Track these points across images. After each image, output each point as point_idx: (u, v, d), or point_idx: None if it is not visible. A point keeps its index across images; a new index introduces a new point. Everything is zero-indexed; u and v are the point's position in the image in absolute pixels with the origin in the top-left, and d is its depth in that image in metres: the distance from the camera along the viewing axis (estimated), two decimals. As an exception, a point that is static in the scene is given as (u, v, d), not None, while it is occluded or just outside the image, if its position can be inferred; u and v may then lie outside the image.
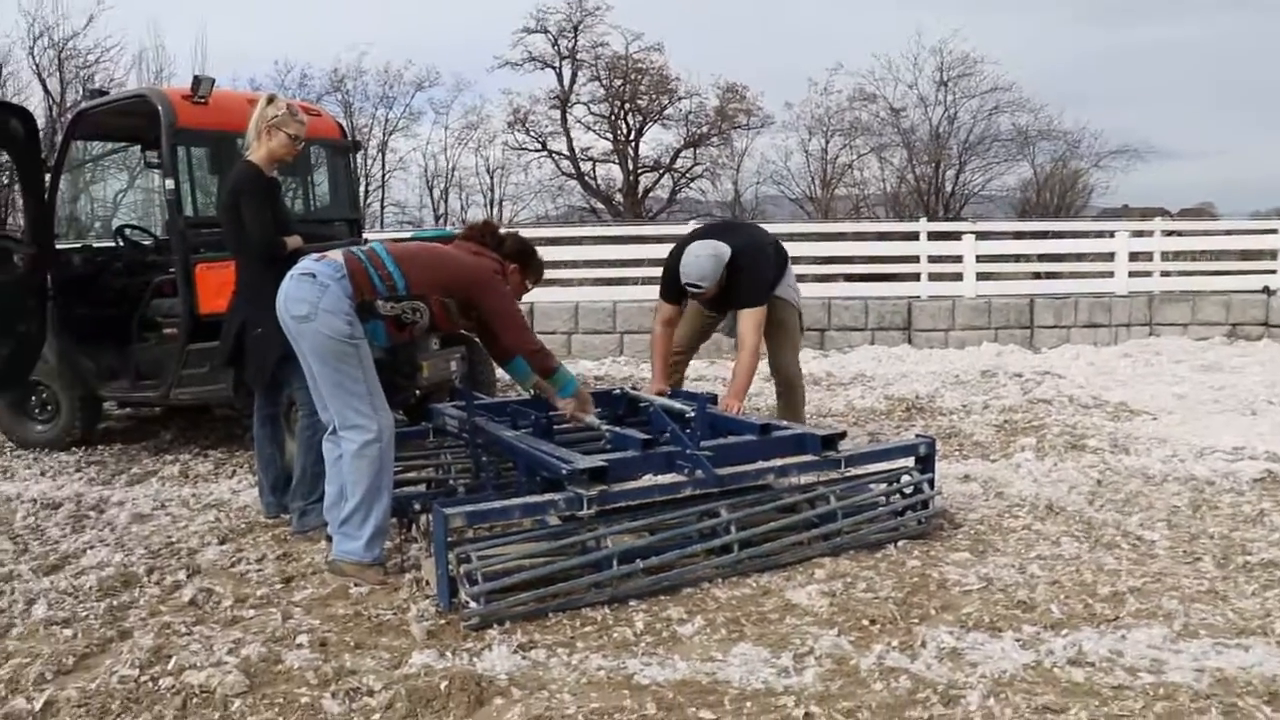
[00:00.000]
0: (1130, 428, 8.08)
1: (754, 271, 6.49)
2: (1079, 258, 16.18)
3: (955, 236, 15.18)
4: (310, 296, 4.67)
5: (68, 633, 4.29)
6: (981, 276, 14.59)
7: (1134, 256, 14.75)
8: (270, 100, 5.65)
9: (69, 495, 6.67)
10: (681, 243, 6.76)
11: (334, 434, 4.91)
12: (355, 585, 4.74)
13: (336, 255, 4.83)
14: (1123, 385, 10.21)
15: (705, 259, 6.31)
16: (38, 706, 3.59)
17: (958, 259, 14.64)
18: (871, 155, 30.95)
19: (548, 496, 4.70)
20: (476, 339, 5.77)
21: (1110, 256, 14.90)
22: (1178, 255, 16.33)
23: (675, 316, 6.85)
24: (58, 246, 8.01)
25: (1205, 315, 14.12)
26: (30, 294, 7.46)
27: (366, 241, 6.94)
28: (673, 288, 6.65)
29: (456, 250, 5.12)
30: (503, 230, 5.49)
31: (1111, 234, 15.29)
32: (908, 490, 5.44)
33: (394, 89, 32.36)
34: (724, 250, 6.36)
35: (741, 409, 6.32)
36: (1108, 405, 9.05)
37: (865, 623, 4.22)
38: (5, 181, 21.98)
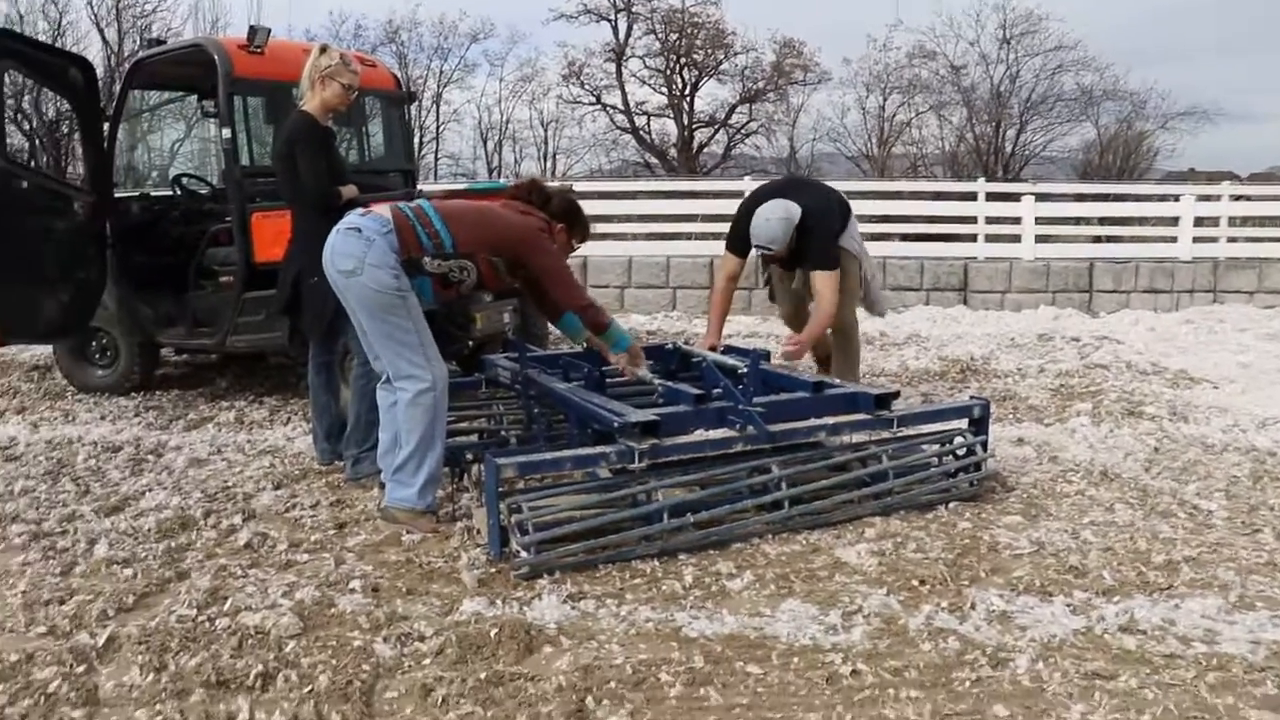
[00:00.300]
0: (1190, 396, 7.96)
1: (822, 230, 6.55)
2: (1141, 221, 15.93)
3: (1014, 198, 14.96)
4: (356, 251, 4.68)
5: (128, 572, 4.38)
6: (1040, 239, 14.38)
7: (1199, 221, 14.44)
8: (323, 50, 5.66)
9: (128, 439, 6.78)
10: (750, 199, 6.78)
11: (388, 382, 4.95)
12: (407, 533, 4.79)
13: (383, 210, 4.84)
14: (1183, 352, 10.05)
15: (776, 222, 6.37)
16: (100, 642, 3.67)
17: (1016, 220, 14.43)
18: (930, 114, 30.56)
19: (599, 449, 4.72)
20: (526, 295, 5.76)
21: (1174, 221, 14.61)
22: (1245, 221, 15.96)
23: (738, 271, 6.92)
24: (116, 195, 8.10)
25: (1272, 283, 13.82)
26: (90, 242, 7.57)
27: (421, 194, 6.97)
28: (739, 241, 6.68)
29: (504, 209, 5.11)
30: (552, 185, 5.48)
31: (1176, 198, 15.00)
32: (960, 452, 5.40)
33: (449, 40, 32.30)
34: (794, 211, 6.42)
35: (802, 355, 6.36)
36: (1167, 372, 8.93)
37: (915, 583, 4.22)
38: (65, 130, 22.24)
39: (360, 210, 4.93)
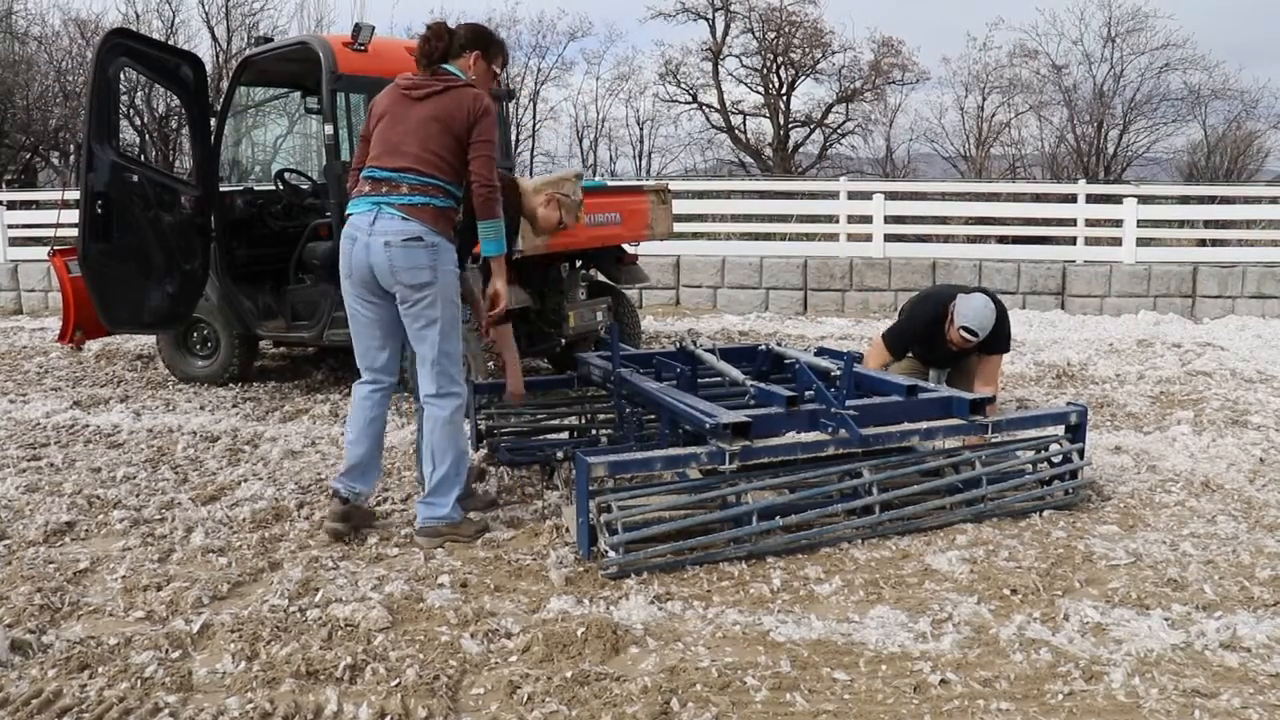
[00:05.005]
0: (1297, 404, 7.72)
1: (1007, 319, 6.41)
2: (1250, 224, 15.47)
3: (1115, 199, 14.66)
4: (427, 260, 4.54)
5: (223, 561, 4.47)
6: (1142, 242, 14.08)
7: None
8: None
9: (226, 429, 6.92)
10: (924, 301, 6.60)
11: (376, 393, 4.84)
12: (452, 543, 4.71)
13: (409, 211, 4.54)
14: (1291, 360, 9.75)
15: (988, 312, 6.20)
16: (195, 629, 3.75)
17: (1117, 223, 14.14)
18: (1030, 114, 29.98)
19: (690, 450, 4.70)
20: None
21: (1284, 224, 14.21)
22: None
23: (886, 365, 6.66)
24: (221, 189, 8.27)
25: (1388, 289, 13.36)
26: (195, 234, 7.75)
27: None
28: (901, 342, 6.56)
29: (431, 104, 4.64)
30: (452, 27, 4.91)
31: (1286, 200, 14.56)
32: (1056, 459, 5.31)
33: (547, 38, 32.41)
34: (994, 306, 6.28)
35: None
36: (1274, 380, 8.67)
37: (1006, 592, 4.15)
38: (175, 126, 22.77)
39: (364, 216, 4.60)
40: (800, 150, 32.33)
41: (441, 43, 4.70)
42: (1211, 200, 17.00)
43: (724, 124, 31.95)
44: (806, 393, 5.17)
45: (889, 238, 14.43)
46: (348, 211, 4.71)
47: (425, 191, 4.56)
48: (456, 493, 4.77)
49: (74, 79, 23.34)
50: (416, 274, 4.53)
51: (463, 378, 4.76)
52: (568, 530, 4.71)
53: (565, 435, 6.11)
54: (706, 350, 5.95)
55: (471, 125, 4.57)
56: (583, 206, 5.56)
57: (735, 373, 5.53)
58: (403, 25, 30.45)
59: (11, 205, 16.18)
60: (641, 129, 33.60)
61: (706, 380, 5.82)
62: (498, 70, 4.96)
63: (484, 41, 4.84)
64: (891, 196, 14.97)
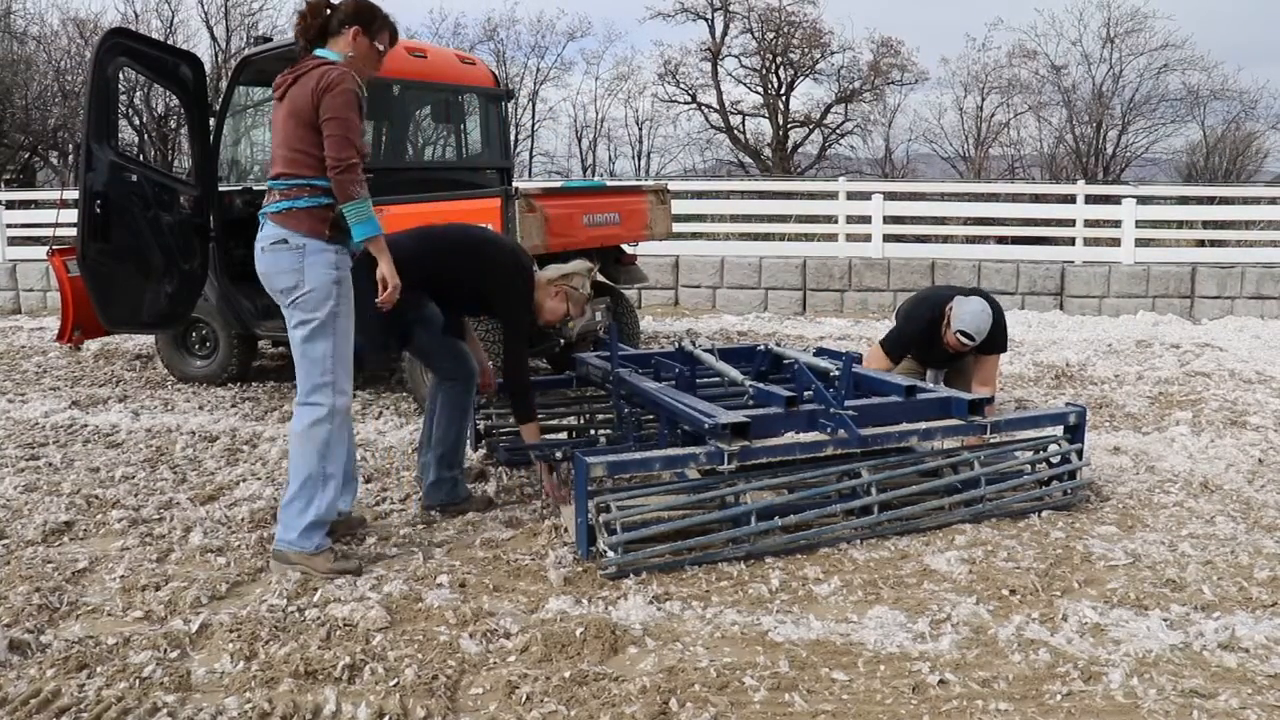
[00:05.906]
0: (1296, 405, 7.72)
1: (1004, 320, 6.38)
2: (1249, 225, 15.47)
3: (1114, 200, 14.65)
4: (290, 264, 4.33)
5: (221, 560, 4.47)
6: (1141, 242, 14.07)
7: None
8: None
9: (225, 429, 6.92)
10: (920, 303, 6.56)
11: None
12: (303, 573, 4.31)
13: (276, 218, 4.40)
14: (1290, 361, 9.75)
15: (985, 316, 6.16)
16: (193, 629, 3.76)
17: (1116, 224, 14.13)
18: (1029, 114, 29.99)
19: (689, 450, 4.70)
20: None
21: (1283, 225, 14.19)
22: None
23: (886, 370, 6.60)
24: (220, 189, 8.27)
25: (1386, 290, 13.35)
26: (193, 234, 7.75)
27: (517, 191, 6.97)
28: (901, 347, 6.49)
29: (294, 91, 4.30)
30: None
31: (1285, 201, 14.55)
32: (1055, 460, 5.31)
33: (546, 38, 32.53)
34: (991, 309, 6.25)
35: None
36: (1274, 381, 8.66)
37: (1005, 592, 4.15)
38: (173, 125, 22.78)
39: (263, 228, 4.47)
40: (799, 150, 32.34)
41: (318, 20, 4.39)
42: (1210, 201, 17.01)
43: (723, 124, 31.96)
44: (805, 393, 5.17)
45: (888, 238, 14.42)
46: None
47: (289, 195, 4.33)
48: (307, 521, 4.32)
49: (73, 78, 23.36)
50: (282, 278, 4.34)
51: (332, 392, 4.32)
52: (566, 530, 4.72)
53: (564, 435, 6.11)
54: (705, 350, 5.96)
55: (318, 105, 4.18)
56: (590, 300, 5.55)
57: (734, 373, 5.53)
58: (402, 26, 30.48)
59: (10, 205, 16.17)
60: (640, 129, 33.65)
61: (705, 380, 5.82)
62: (382, 48, 4.53)
63: (365, 15, 4.43)
64: (890, 197, 14.97)
